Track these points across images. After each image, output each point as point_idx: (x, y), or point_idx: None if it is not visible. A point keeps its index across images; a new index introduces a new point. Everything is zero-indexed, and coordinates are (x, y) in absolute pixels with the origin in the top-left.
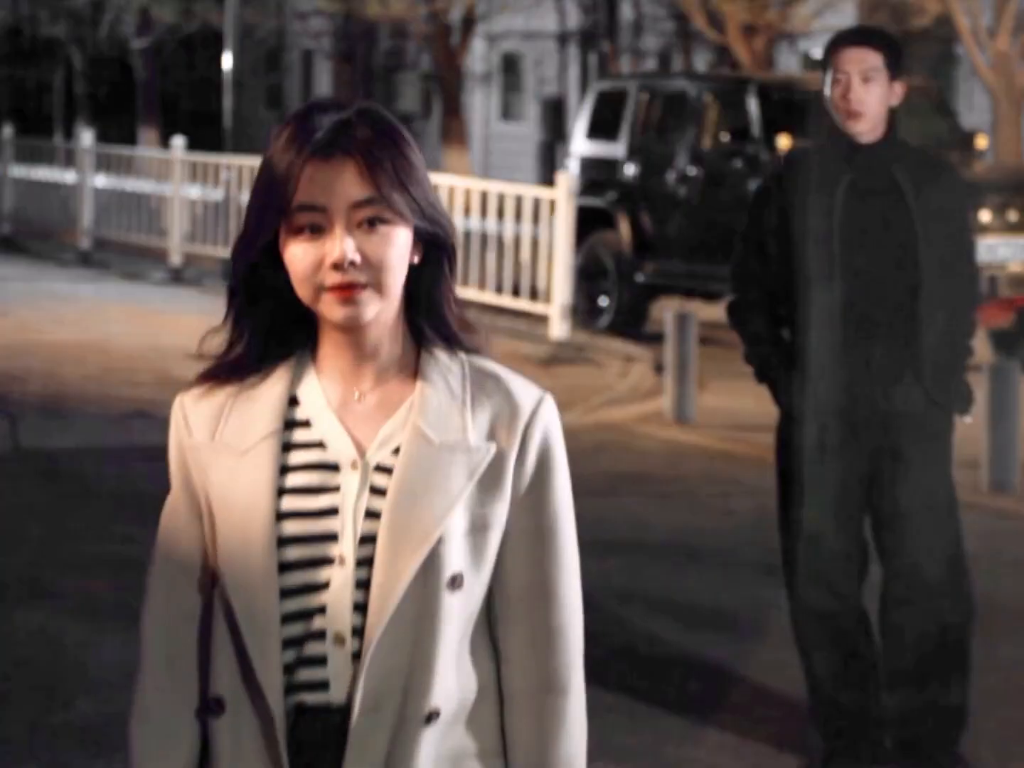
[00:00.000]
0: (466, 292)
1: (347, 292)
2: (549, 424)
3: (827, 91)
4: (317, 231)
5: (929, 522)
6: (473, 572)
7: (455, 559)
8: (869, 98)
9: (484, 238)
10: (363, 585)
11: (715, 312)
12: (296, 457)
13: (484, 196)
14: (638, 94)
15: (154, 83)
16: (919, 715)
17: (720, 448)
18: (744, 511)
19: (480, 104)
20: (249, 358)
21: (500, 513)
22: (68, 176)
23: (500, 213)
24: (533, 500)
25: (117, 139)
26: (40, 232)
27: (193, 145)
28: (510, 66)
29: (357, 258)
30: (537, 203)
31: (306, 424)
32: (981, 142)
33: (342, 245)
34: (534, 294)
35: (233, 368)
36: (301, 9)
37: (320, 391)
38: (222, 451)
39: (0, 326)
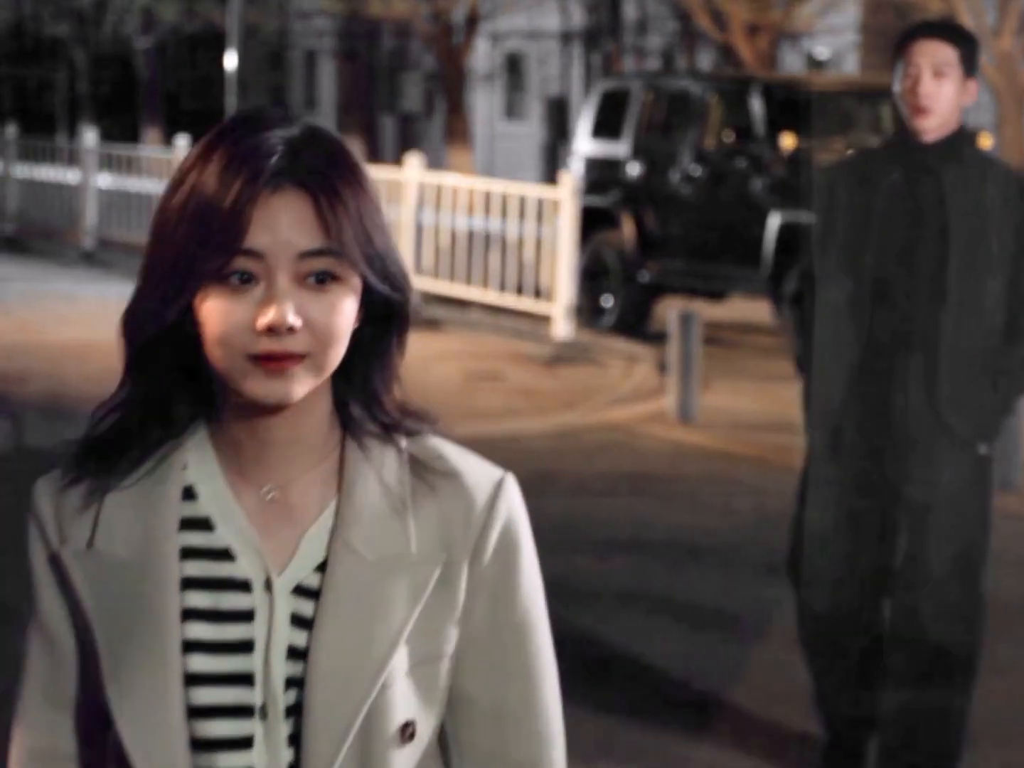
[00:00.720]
0: (469, 292)
1: (280, 364)
2: (511, 513)
3: (896, 86)
4: (248, 281)
5: (946, 530)
6: (424, 711)
7: (403, 704)
8: (940, 93)
9: (487, 238)
10: (296, 740)
11: (719, 312)
12: (196, 567)
13: (487, 196)
14: (642, 93)
15: (157, 82)
16: (914, 734)
17: (723, 448)
18: (746, 511)
19: (483, 103)
20: (131, 437)
21: (453, 636)
22: (71, 176)
23: (503, 213)
24: (492, 608)
25: (120, 138)
26: (43, 232)
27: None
28: (513, 65)
29: (298, 323)
30: (540, 203)
31: (206, 525)
32: (985, 141)
33: (282, 306)
34: (537, 294)
35: (111, 450)
36: (304, 8)
37: (224, 482)
38: (104, 562)
39: (2, 326)
